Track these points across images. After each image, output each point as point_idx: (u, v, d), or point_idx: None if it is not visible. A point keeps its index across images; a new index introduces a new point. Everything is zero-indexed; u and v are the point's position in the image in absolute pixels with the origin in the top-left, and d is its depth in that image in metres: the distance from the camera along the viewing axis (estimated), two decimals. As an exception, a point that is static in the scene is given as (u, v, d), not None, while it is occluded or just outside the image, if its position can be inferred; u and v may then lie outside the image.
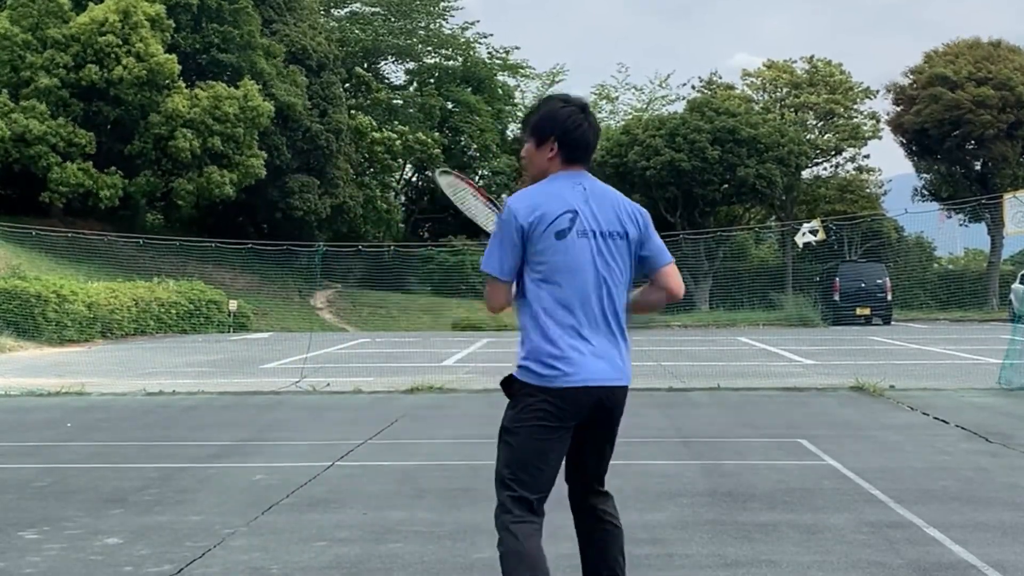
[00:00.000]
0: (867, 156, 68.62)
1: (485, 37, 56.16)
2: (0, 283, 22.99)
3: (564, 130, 3.86)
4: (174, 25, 34.47)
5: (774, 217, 45.81)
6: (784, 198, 42.48)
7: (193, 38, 36.51)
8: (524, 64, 57.39)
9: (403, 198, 54.70)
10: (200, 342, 24.57)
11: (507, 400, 3.84)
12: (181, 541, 5.69)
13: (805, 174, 44.46)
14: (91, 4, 33.22)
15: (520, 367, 3.79)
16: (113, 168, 33.35)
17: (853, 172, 47.13)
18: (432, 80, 52.88)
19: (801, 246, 29.77)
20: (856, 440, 8.90)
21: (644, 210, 3.99)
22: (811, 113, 46.10)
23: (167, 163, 34.75)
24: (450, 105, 52.53)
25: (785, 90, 46.34)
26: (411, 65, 54.51)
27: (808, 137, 44.53)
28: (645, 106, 56.44)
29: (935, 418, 10.18)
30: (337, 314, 37.77)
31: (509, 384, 3.82)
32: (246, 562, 5.27)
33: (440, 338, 26.04)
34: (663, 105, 55.28)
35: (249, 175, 35.00)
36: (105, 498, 6.82)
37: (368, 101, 47.67)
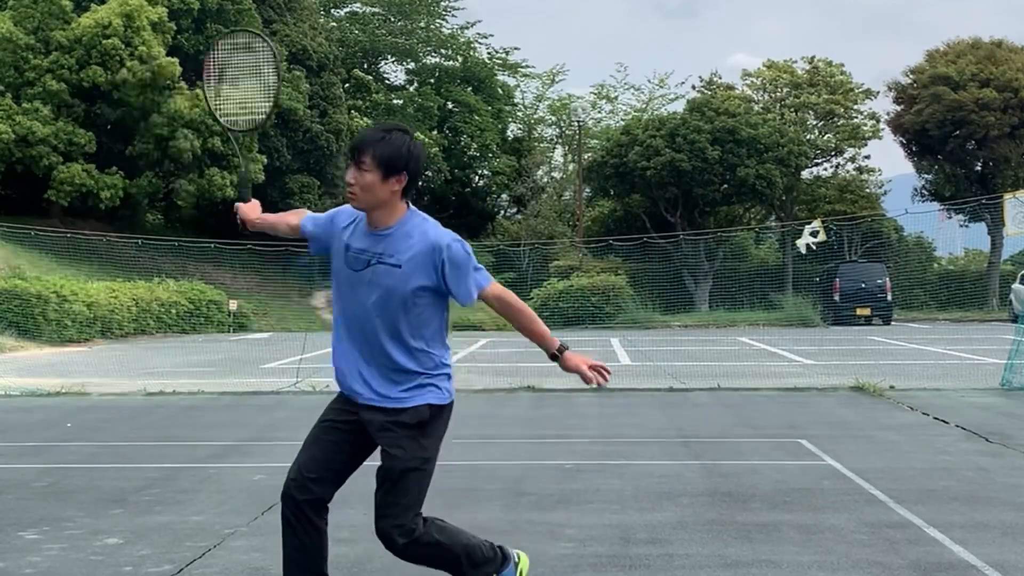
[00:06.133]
0: (867, 156, 68.65)
1: (485, 37, 56.22)
2: (0, 283, 22.99)
3: None
4: (175, 28, 34.50)
5: (774, 217, 45.80)
6: (784, 198, 42.46)
7: (196, 39, 36.53)
8: (524, 64, 57.45)
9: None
10: (200, 342, 24.57)
11: (434, 422, 4.00)
12: (181, 541, 5.68)
13: (805, 174, 44.44)
14: (94, 5, 33.24)
15: (444, 388, 4.01)
16: (114, 168, 33.37)
17: (853, 172, 47.11)
18: (432, 80, 52.87)
19: (803, 250, 29.77)
20: (856, 440, 8.89)
21: None
22: (811, 113, 46.07)
23: (168, 164, 34.76)
24: (450, 105, 52.53)
25: (785, 90, 46.31)
26: (411, 65, 54.50)
27: (808, 137, 44.51)
28: (644, 106, 56.49)
29: (935, 418, 10.18)
30: (337, 314, 37.73)
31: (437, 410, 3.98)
32: (246, 562, 5.27)
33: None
34: (662, 105, 55.33)
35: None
36: (105, 498, 6.81)
37: (366, 104, 47.66)
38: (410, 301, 3.86)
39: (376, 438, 3.98)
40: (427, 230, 3.89)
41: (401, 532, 3.97)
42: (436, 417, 3.96)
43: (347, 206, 4.04)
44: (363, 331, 3.95)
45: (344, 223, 4.03)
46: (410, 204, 3.97)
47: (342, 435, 4.06)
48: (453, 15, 61.00)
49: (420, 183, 3.93)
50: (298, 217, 4.27)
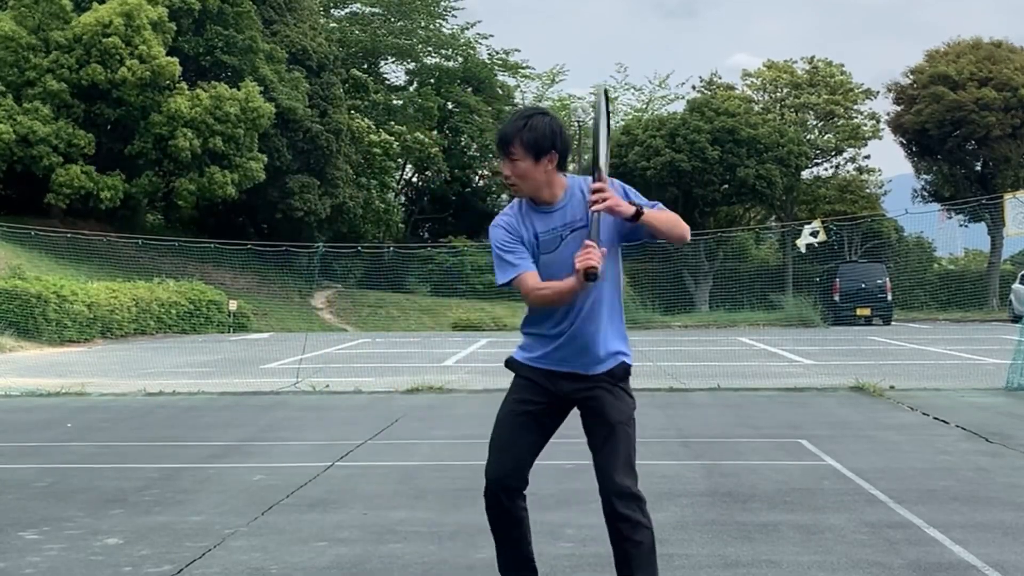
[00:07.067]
0: (867, 157, 68.61)
1: (485, 38, 56.11)
2: (0, 283, 22.99)
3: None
4: (175, 28, 34.51)
5: (774, 217, 45.83)
6: (784, 198, 42.50)
7: (196, 40, 36.52)
8: (524, 64, 57.43)
9: (403, 198, 54.69)
10: (200, 342, 24.57)
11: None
12: (181, 541, 5.68)
13: (805, 174, 44.47)
14: (94, 4, 33.24)
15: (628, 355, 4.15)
16: (116, 171, 33.35)
17: (853, 172, 47.15)
18: (432, 80, 52.86)
19: (803, 249, 29.79)
20: (856, 440, 8.89)
21: None
22: (811, 113, 46.10)
23: (168, 163, 34.78)
24: (450, 105, 52.52)
25: (785, 90, 46.34)
26: (411, 65, 54.50)
27: (808, 137, 44.54)
28: (645, 106, 56.51)
29: (935, 418, 10.18)
30: (337, 314, 37.76)
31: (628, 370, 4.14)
32: (246, 562, 5.27)
33: (440, 338, 26.04)
34: (662, 105, 55.37)
35: (248, 178, 35.04)
36: (105, 498, 6.81)
37: (366, 103, 47.67)
38: (609, 254, 3.97)
39: (583, 402, 4.12)
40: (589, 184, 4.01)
41: (629, 498, 4.15)
42: (629, 375, 4.20)
43: (503, 218, 4.12)
44: (567, 310, 3.99)
45: (520, 224, 4.07)
46: (566, 173, 4.09)
47: (532, 417, 4.16)
48: (453, 15, 60.96)
49: (570, 153, 4.06)
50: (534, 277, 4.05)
